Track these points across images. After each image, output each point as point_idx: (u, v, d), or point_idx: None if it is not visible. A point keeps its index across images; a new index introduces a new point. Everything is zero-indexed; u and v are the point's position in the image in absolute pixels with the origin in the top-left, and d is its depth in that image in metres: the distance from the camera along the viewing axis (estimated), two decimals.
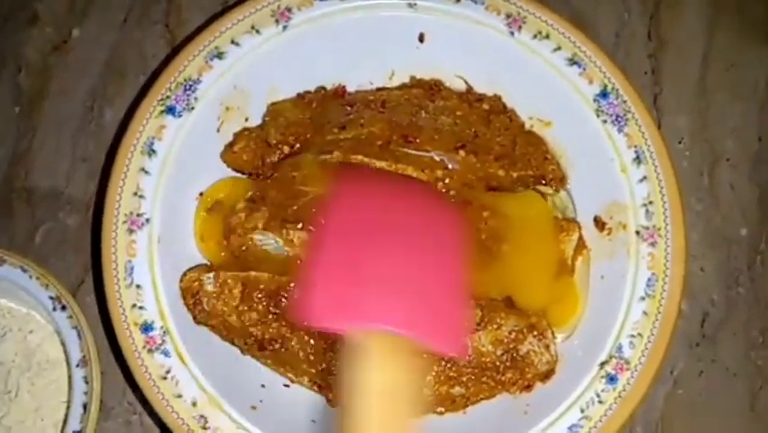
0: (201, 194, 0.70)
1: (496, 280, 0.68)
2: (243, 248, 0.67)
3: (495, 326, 0.65)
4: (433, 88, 0.73)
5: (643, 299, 0.65)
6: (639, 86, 0.80)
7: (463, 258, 0.57)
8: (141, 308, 0.64)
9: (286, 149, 0.71)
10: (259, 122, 0.73)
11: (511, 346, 0.65)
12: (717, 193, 0.78)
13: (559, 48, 0.70)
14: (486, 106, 0.73)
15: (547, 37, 0.70)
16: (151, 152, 0.67)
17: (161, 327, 0.64)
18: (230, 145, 0.71)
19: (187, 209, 0.69)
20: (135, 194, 0.66)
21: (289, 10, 0.71)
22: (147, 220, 0.66)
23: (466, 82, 0.73)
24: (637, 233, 0.67)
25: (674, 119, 0.80)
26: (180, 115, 0.68)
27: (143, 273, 0.65)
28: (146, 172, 0.67)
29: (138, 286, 0.64)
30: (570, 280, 0.69)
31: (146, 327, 0.64)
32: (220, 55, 0.70)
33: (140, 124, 0.67)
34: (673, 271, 0.64)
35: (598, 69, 0.69)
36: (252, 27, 0.70)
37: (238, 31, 0.70)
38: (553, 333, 0.66)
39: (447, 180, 0.68)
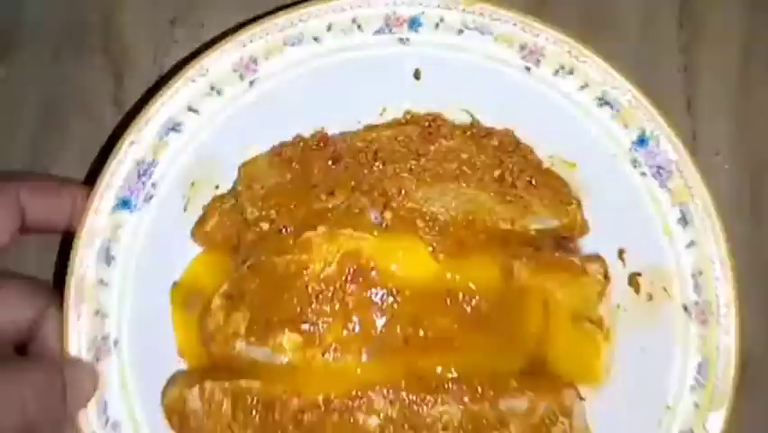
0: (175, 285, 0.60)
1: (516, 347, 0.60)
2: (227, 358, 0.58)
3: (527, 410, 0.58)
4: (431, 125, 0.61)
5: (693, 388, 0.57)
6: (670, 88, 0.68)
7: None
8: None
9: (265, 226, 0.60)
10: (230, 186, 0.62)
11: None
12: (761, 212, 0.68)
13: (586, 85, 0.58)
14: (495, 142, 0.61)
15: (571, 73, 0.58)
16: (109, 258, 0.56)
17: None
18: (200, 223, 0.60)
19: (161, 315, 0.59)
20: (97, 313, 0.56)
21: (255, 61, 0.58)
22: (115, 342, 0.56)
23: (471, 115, 0.61)
24: (685, 308, 0.58)
25: (711, 125, 0.68)
26: (138, 209, 0.57)
27: (119, 408, 0.56)
28: (105, 284, 0.56)
29: (115, 424, 0.55)
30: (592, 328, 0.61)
31: None
32: (176, 127, 0.57)
33: (90, 225, 0.56)
34: (727, 355, 0.56)
35: (635, 111, 0.58)
36: (212, 88, 0.57)
37: (195, 93, 0.57)
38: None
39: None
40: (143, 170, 0.57)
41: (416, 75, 0.60)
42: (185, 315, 0.59)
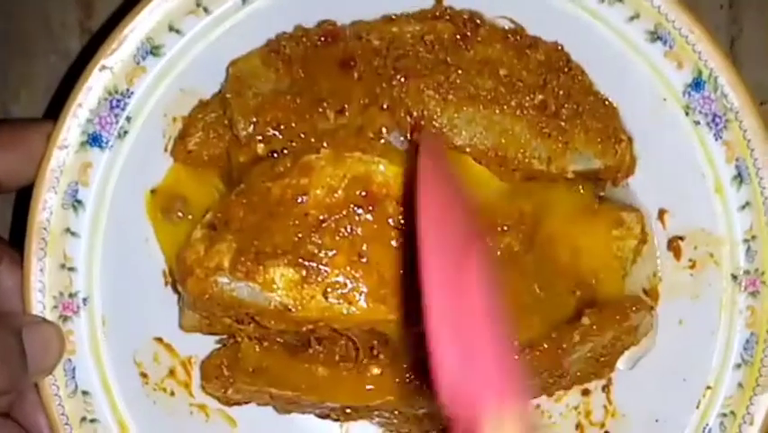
0: (153, 191, 0.52)
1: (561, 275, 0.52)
2: (206, 296, 0.49)
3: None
4: (467, 24, 0.52)
5: (738, 366, 0.50)
6: (713, 26, 0.60)
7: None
8: (92, 421, 0.49)
9: (260, 147, 0.51)
10: None
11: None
12: None
13: (637, 16, 0.50)
14: (541, 56, 0.52)
15: (620, 0, 0.49)
16: (76, 203, 0.48)
17: None
18: (181, 139, 0.52)
19: (137, 269, 0.51)
20: (63, 266, 0.48)
21: None
22: (84, 300, 0.49)
23: (514, 22, 0.52)
24: (734, 277, 0.51)
25: (756, 70, 0.61)
26: (110, 146, 0.49)
27: (88, 374, 0.49)
28: (73, 234, 0.48)
29: (84, 393, 0.49)
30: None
31: None
32: (155, 50, 0.49)
33: (54, 164, 0.48)
34: None
35: (692, 48, 0.50)
36: (198, 4, 0.49)
37: (178, 12, 0.48)
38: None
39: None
40: (116, 102, 0.49)
41: None
42: (166, 224, 0.52)
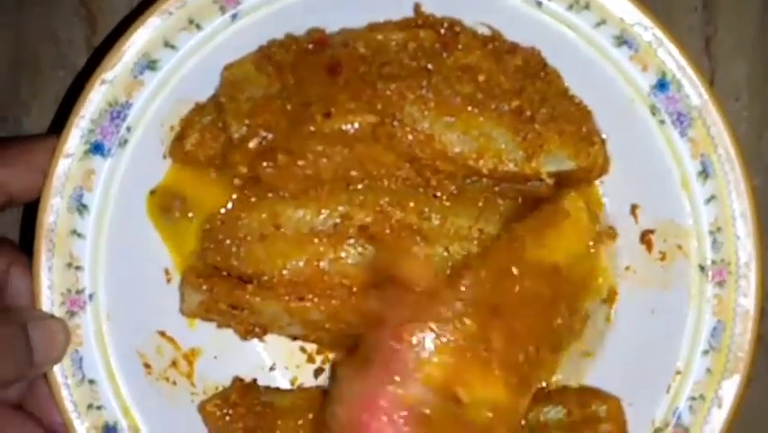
0: (152, 192, 0.55)
1: None
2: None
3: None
4: (447, 32, 0.55)
5: (706, 352, 0.53)
6: (687, 27, 0.62)
7: None
8: (99, 408, 0.53)
9: (253, 144, 0.54)
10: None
11: None
12: None
13: (603, 22, 0.52)
14: (519, 61, 0.55)
15: (587, 7, 0.52)
16: (81, 207, 0.52)
17: (128, 427, 0.53)
18: (178, 140, 0.55)
19: (139, 267, 0.55)
20: (69, 266, 0.52)
21: None
22: (90, 296, 0.53)
23: (491, 29, 0.55)
24: (701, 268, 0.53)
25: (731, 68, 0.63)
26: (111, 154, 0.53)
27: (95, 364, 0.53)
28: (79, 235, 0.52)
29: (91, 381, 0.52)
30: None
31: (108, 430, 0.53)
32: (152, 65, 0.52)
33: (60, 171, 0.52)
34: (745, 319, 0.52)
35: (655, 51, 0.52)
36: (190, 21, 0.52)
37: (172, 28, 0.52)
38: None
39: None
40: (117, 113, 0.52)
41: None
42: (167, 222, 0.55)
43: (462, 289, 0.50)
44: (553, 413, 0.54)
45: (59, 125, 0.53)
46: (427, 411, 0.48)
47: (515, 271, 0.50)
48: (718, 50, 0.63)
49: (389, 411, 0.47)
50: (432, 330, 0.49)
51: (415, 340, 0.48)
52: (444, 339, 0.49)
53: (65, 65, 0.61)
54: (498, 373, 0.49)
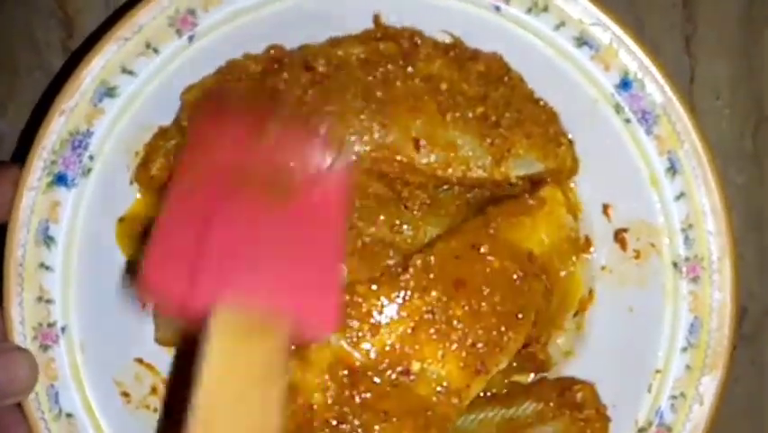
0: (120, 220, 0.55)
1: None
2: None
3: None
4: (407, 42, 0.54)
5: (685, 349, 0.53)
6: (667, 25, 0.62)
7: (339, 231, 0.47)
8: None
9: None
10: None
11: None
12: (762, 162, 0.63)
13: (562, 24, 0.52)
14: (481, 67, 0.54)
15: (545, 10, 0.52)
16: (48, 240, 0.52)
17: None
18: (143, 166, 0.55)
19: (111, 296, 0.55)
20: (40, 299, 0.52)
21: (192, 13, 0.52)
22: (62, 329, 0.52)
23: (453, 36, 0.55)
24: (674, 265, 0.53)
25: (712, 66, 0.63)
26: (75, 184, 0.52)
27: (71, 398, 0.52)
28: (47, 268, 0.52)
29: (69, 415, 0.52)
30: None
31: None
32: (111, 92, 0.52)
33: (25, 204, 0.51)
34: (721, 315, 0.52)
35: (616, 50, 0.52)
36: (147, 46, 0.52)
37: (129, 53, 0.52)
38: None
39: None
40: (78, 142, 0.52)
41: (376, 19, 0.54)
42: (137, 250, 0.54)
43: (431, 259, 0.49)
44: (533, 407, 0.54)
45: (35, 125, 0.52)
46: (370, 374, 0.48)
47: (484, 249, 0.50)
48: (699, 47, 0.63)
49: None
50: (394, 298, 0.48)
51: (377, 303, 0.48)
52: (405, 309, 0.48)
53: (42, 67, 0.61)
54: (456, 350, 0.49)
